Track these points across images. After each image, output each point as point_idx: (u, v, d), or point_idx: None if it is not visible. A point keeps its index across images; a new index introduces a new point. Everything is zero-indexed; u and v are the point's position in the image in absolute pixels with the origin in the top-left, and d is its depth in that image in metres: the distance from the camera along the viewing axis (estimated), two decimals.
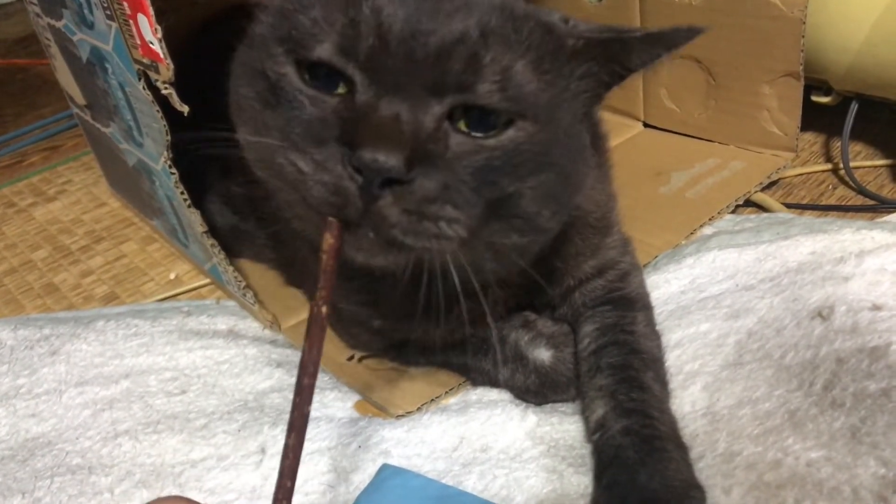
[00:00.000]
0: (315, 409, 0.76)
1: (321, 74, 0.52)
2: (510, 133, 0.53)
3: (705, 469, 0.62)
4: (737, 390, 0.69)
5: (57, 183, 1.35)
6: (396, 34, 0.50)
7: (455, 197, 0.51)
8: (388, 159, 0.47)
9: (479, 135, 0.52)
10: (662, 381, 0.70)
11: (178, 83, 0.73)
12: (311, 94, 0.52)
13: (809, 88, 1.05)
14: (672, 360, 0.74)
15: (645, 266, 0.89)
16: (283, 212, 0.62)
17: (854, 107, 1.02)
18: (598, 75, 0.57)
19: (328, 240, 0.40)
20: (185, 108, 0.73)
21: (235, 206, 0.95)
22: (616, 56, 0.56)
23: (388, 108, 0.49)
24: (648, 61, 0.56)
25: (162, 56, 0.70)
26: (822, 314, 0.73)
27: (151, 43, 0.71)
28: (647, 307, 0.77)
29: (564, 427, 0.69)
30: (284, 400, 0.77)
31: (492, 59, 0.51)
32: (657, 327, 0.76)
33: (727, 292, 0.80)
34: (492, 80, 0.51)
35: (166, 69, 0.71)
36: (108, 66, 0.84)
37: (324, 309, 0.40)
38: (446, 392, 0.76)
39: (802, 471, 0.60)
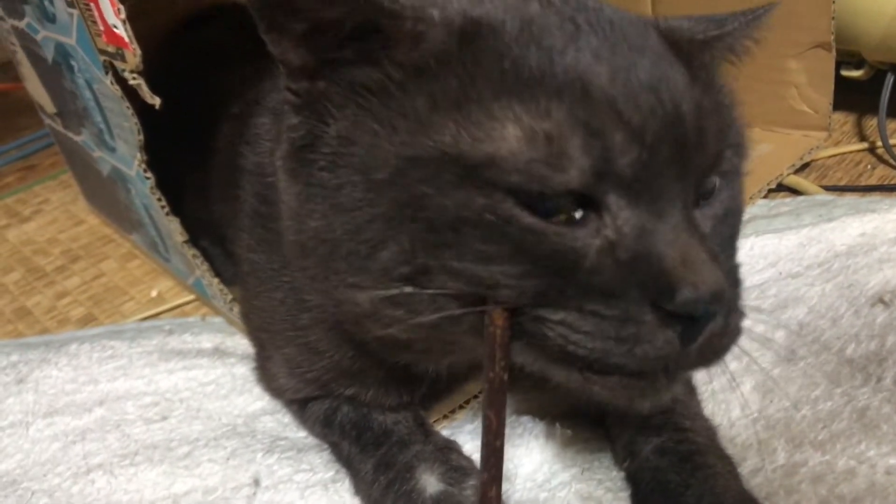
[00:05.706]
0: None
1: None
2: (725, 191, 0.46)
3: (764, 485, 0.54)
4: (792, 390, 0.61)
5: (33, 203, 1.28)
6: (658, 135, 0.39)
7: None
8: (722, 288, 0.39)
9: (704, 204, 0.45)
10: (686, 381, 0.61)
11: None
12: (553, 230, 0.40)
13: (838, 64, 0.98)
14: None
15: None
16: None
17: (890, 80, 0.95)
18: None
19: (498, 319, 0.41)
20: (157, 101, 0.66)
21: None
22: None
23: (671, 228, 0.40)
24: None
25: (127, 40, 0.63)
26: (884, 300, 0.65)
27: (115, 27, 0.64)
28: None
29: (600, 444, 0.61)
30: (278, 423, 0.69)
31: (719, 123, 0.43)
32: None
33: (770, 281, 0.73)
34: (732, 147, 0.45)
35: (133, 56, 0.64)
36: (73, 62, 0.79)
37: (505, 376, 0.42)
38: (459, 407, 0.67)
39: (882, 480, 0.51)
